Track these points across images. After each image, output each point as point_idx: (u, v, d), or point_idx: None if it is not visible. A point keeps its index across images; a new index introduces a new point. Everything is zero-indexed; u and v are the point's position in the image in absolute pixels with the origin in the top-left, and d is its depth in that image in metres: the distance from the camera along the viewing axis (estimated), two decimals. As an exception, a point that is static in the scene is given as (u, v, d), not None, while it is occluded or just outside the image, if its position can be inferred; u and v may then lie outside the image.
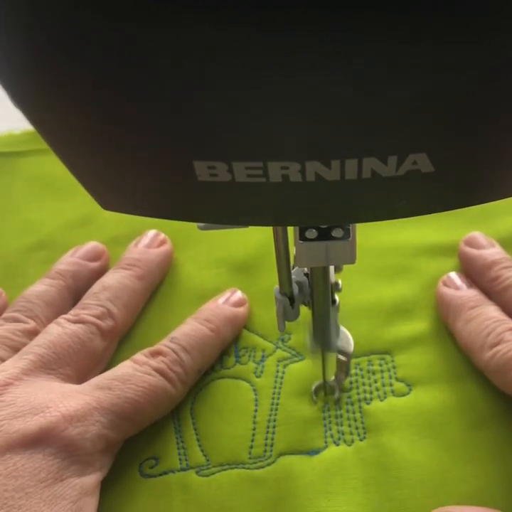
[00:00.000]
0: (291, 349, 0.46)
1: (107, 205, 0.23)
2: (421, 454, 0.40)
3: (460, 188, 0.21)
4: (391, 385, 0.44)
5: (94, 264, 0.49)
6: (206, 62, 0.15)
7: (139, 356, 0.41)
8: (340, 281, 0.36)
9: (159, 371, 0.40)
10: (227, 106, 0.17)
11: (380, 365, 0.45)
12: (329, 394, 0.43)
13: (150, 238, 0.51)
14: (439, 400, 0.43)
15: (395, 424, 0.42)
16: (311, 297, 0.35)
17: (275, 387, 0.44)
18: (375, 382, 0.44)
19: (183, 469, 0.40)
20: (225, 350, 0.46)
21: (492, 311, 0.43)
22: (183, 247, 0.52)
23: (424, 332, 0.46)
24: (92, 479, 0.36)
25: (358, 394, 0.43)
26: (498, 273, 0.46)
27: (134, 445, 0.41)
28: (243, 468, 0.40)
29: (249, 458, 0.41)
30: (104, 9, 0.14)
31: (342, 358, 0.39)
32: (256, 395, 0.44)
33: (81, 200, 0.55)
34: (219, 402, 0.43)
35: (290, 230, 0.29)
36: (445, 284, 0.47)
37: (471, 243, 0.48)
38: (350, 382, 0.44)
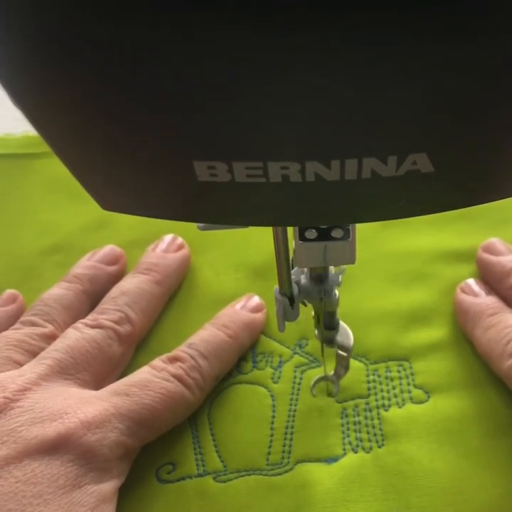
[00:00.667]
0: (308, 355, 0.46)
1: (107, 205, 0.23)
2: (440, 462, 0.40)
3: (460, 188, 0.21)
4: (409, 391, 0.43)
5: (112, 268, 0.49)
6: (206, 62, 0.15)
7: (156, 362, 0.41)
8: (340, 275, 0.35)
9: (177, 377, 0.40)
10: (227, 106, 0.17)
11: (398, 371, 0.45)
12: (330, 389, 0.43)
13: (167, 242, 0.50)
14: (458, 407, 0.42)
15: (414, 431, 0.41)
16: (310, 297, 0.35)
17: (293, 393, 0.44)
18: (394, 388, 0.44)
19: (200, 475, 0.40)
20: (242, 355, 0.46)
21: (511, 319, 0.43)
22: (201, 252, 0.52)
23: (442, 338, 0.46)
24: (109, 486, 0.36)
25: (377, 400, 0.43)
26: None
27: (151, 451, 0.41)
28: (260, 474, 0.40)
29: (267, 464, 0.41)
30: (104, 9, 0.14)
31: (342, 353, 0.39)
32: (273, 400, 0.44)
33: (96, 205, 0.55)
34: (236, 407, 0.43)
35: (290, 230, 0.30)
36: (463, 291, 0.47)
37: (490, 249, 0.48)
38: (368, 389, 0.44)
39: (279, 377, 0.45)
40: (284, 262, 0.32)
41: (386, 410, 0.43)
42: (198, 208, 0.22)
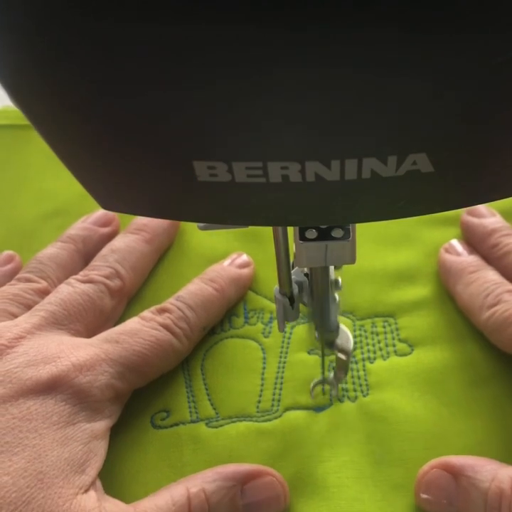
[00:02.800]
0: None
1: (107, 205, 0.23)
2: (422, 409, 0.42)
3: (460, 188, 0.21)
4: (394, 345, 0.45)
5: (105, 230, 0.51)
6: (206, 62, 0.15)
7: (146, 313, 0.43)
8: (340, 279, 0.37)
9: (165, 326, 0.42)
10: (227, 106, 0.16)
11: (384, 327, 0.46)
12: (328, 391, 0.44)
13: None
14: (440, 359, 0.44)
15: (397, 381, 0.43)
16: (311, 297, 0.35)
17: (282, 347, 0.46)
18: (379, 342, 0.46)
19: (193, 421, 0.42)
20: (234, 311, 0.48)
21: (491, 275, 0.45)
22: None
23: (426, 296, 0.48)
24: (101, 425, 0.38)
25: (362, 354, 0.45)
26: (497, 240, 0.47)
27: (146, 399, 0.43)
28: (251, 420, 0.42)
29: (257, 411, 0.42)
30: (98, 8, 0.14)
31: (341, 356, 0.40)
32: (264, 353, 0.45)
33: None
34: (228, 359, 0.45)
35: (290, 230, 0.30)
36: (447, 251, 0.49)
37: (473, 212, 0.50)
38: (355, 343, 0.45)
39: (269, 332, 0.46)
40: (284, 262, 0.32)
41: (371, 362, 0.44)
42: (198, 207, 0.22)
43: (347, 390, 0.43)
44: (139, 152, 0.19)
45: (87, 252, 0.49)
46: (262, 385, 0.44)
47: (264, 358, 0.45)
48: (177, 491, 0.35)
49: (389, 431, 0.41)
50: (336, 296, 0.36)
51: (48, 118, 0.19)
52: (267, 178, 0.19)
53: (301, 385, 0.44)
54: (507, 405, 0.42)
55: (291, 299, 0.35)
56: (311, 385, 0.43)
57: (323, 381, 0.43)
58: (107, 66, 0.16)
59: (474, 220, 0.49)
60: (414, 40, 0.15)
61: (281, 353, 0.45)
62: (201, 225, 0.29)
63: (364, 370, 0.44)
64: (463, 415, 0.41)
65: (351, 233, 0.28)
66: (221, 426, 0.42)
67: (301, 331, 0.46)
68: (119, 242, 0.49)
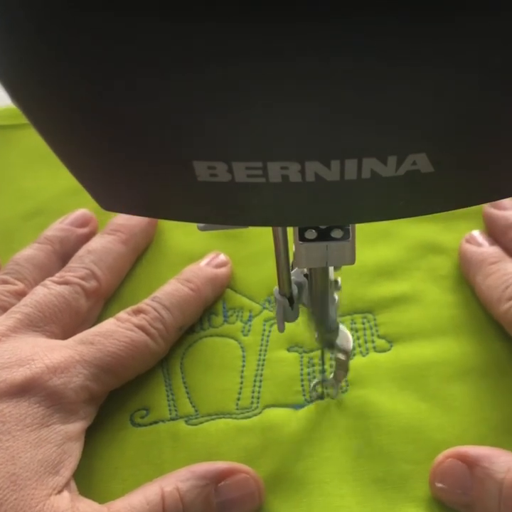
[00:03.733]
0: None
1: (107, 205, 0.23)
2: (400, 404, 0.42)
3: (459, 188, 0.21)
4: (373, 341, 0.45)
5: (82, 230, 0.51)
6: (206, 62, 0.15)
7: (121, 314, 0.44)
8: (339, 279, 0.37)
9: (140, 327, 0.42)
10: (227, 106, 0.16)
11: (363, 323, 0.47)
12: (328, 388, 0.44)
13: None
14: (419, 354, 0.44)
15: (376, 377, 0.43)
16: (310, 297, 0.35)
17: (262, 345, 0.46)
18: (358, 339, 0.46)
19: (172, 419, 0.42)
20: (213, 310, 0.48)
21: (511, 267, 0.45)
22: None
23: (405, 292, 0.48)
24: (76, 427, 0.38)
25: (342, 350, 0.45)
26: None
27: (125, 397, 0.43)
28: (230, 418, 0.42)
29: (237, 409, 0.42)
30: (101, 5, 0.14)
31: (341, 356, 0.40)
32: (243, 351, 0.45)
33: None
34: (207, 358, 0.45)
35: (290, 230, 0.29)
36: (468, 241, 0.49)
37: (496, 205, 0.50)
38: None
39: (248, 331, 0.46)
40: (284, 263, 0.32)
41: (351, 359, 0.45)
42: (197, 208, 0.22)
43: (327, 387, 0.43)
44: (139, 152, 0.19)
45: (64, 253, 0.49)
46: (242, 382, 0.44)
47: (244, 356, 0.45)
48: (151, 490, 0.35)
49: (368, 426, 0.41)
50: (336, 296, 0.36)
51: (48, 118, 0.19)
52: (267, 178, 0.19)
53: (280, 382, 0.44)
54: (485, 399, 0.42)
55: (291, 300, 0.35)
56: (311, 385, 0.44)
57: (324, 381, 0.43)
58: (106, 66, 0.16)
59: (497, 212, 0.50)
60: (414, 41, 0.15)
61: (260, 351, 0.45)
62: (201, 225, 0.29)
63: None
64: (441, 410, 0.42)
65: (351, 233, 0.28)
66: (200, 423, 0.42)
67: (280, 328, 0.46)
68: (95, 243, 0.49)
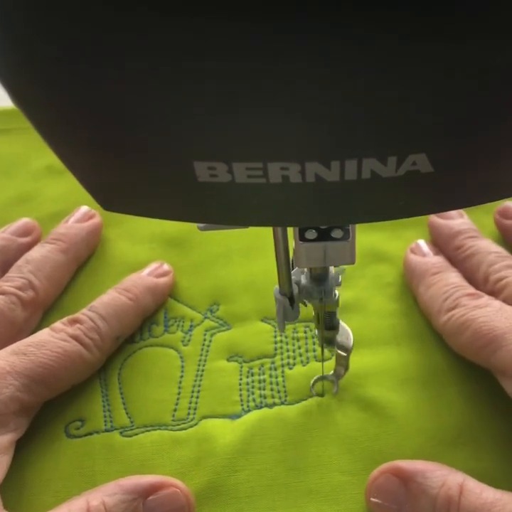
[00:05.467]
0: (218, 319, 0.47)
1: (107, 205, 0.23)
2: (338, 415, 0.42)
3: (459, 189, 0.21)
4: (314, 350, 0.45)
5: (24, 240, 0.51)
6: (206, 63, 0.15)
7: (57, 324, 0.43)
8: (340, 276, 0.36)
9: (75, 337, 0.42)
10: (227, 107, 0.16)
11: (305, 332, 0.46)
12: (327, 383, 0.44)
13: (80, 214, 0.53)
14: (360, 364, 0.44)
15: (316, 387, 0.43)
16: (310, 297, 0.35)
17: (201, 355, 0.45)
18: (299, 348, 0.45)
19: (107, 430, 0.42)
20: (154, 319, 0.47)
21: (452, 277, 0.45)
22: (119, 223, 0.54)
23: (348, 301, 0.48)
24: (5, 439, 0.37)
25: (282, 360, 0.45)
26: (462, 242, 0.48)
27: (61, 408, 0.43)
28: (166, 429, 0.42)
29: (173, 420, 0.42)
30: (107, 11, 0.14)
31: (342, 353, 0.40)
32: (182, 361, 0.45)
33: (22, 179, 0.57)
34: (146, 368, 0.45)
35: (290, 230, 0.29)
36: (412, 251, 0.49)
37: (440, 214, 0.50)
38: (275, 349, 0.45)
39: (189, 340, 0.46)
40: (284, 262, 0.32)
41: (290, 368, 0.44)
42: (198, 208, 0.22)
43: (265, 397, 0.43)
44: (139, 153, 0.19)
45: (5, 262, 0.49)
46: (179, 393, 0.43)
47: (183, 367, 0.45)
48: (77, 505, 0.35)
49: (304, 437, 0.41)
50: (336, 292, 0.36)
51: (47, 118, 0.19)
52: (267, 179, 0.19)
53: (218, 393, 0.43)
54: (423, 409, 0.42)
55: (291, 299, 0.35)
56: (312, 381, 0.43)
57: (323, 377, 0.43)
58: (107, 66, 0.15)
59: (440, 221, 0.50)
60: (414, 42, 0.15)
61: (199, 361, 0.45)
62: (201, 225, 0.28)
63: (283, 377, 0.44)
64: (379, 419, 0.41)
65: (351, 234, 0.28)
66: (135, 435, 0.41)
67: (221, 338, 0.46)
68: (35, 252, 0.48)
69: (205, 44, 0.15)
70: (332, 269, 0.35)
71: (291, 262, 0.33)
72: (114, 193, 0.22)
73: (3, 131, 0.62)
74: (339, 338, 0.39)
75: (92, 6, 0.14)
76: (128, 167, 0.20)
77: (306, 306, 0.36)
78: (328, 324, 0.38)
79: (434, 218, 0.50)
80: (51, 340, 0.41)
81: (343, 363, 0.41)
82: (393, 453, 0.40)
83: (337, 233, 0.27)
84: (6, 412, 0.38)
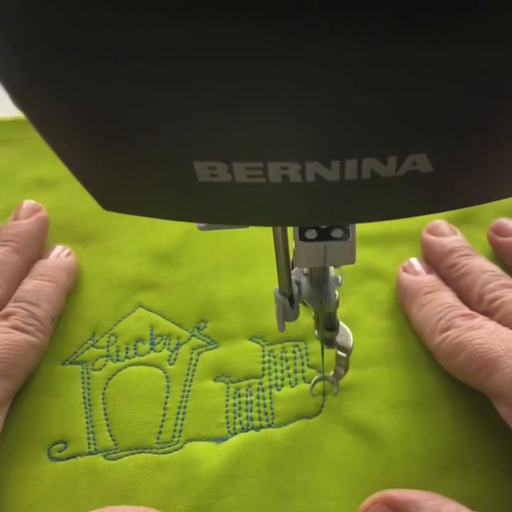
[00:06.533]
0: (206, 337, 0.46)
1: (107, 205, 0.23)
2: (326, 438, 0.41)
3: (459, 189, 0.21)
4: (303, 371, 0.44)
5: None
6: (206, 62, 0.15)
7: None
8: (340, 277, 0.36)
9: (16, 328, 0.43)
10: (227, 106, 0.16)
11: (294, 352, 0.45)
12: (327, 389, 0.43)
13: (27, 209, 0.53)
14: (349, 383, 0.43)
15: (304, 410, 0.42)
16: (310, 297, 0.35)
17: (187, 374, 0.44)
18: (288, 368, 0.45)
19: (91, 453, 0.41)
20: (140, 337, 0.46)
21: (446, 297, 0.44)
22: (107, 238, 0.53)
23: (339, 318, 0.46)
24: None
25: (270, 380, 0.44)
26: (455, 260, 0.47)
27: (43, 429, 0.42)
28: (150, 452, 0.41)
29: (157, 443, 0.41)
30: (101, 2, 0.14)
31: (341, 354, 0.39)
32: (168, 381, 0.44)
33: (11, 191, 0.57)
34: (131, 388, 0.44)
35: (290, 230, 0.29)
36: (405, 270, 0.48)
37: (433, 230, 0.50)
38: (263, 369, 0.44)
39: (175, 359, 0.45)
40: (284, 262, 0.32)
41: (279, 390, 0.43)
42: (198, 208, 0.22)
43: (252, 419, 0.42)
44: (140, 152, 0.19)
45: None
46: (164, 415, 0.43)
47: (168, 387, 0.44)
48: None
49: (291, 461, 0.40)
50: (336, 293, 0.35)
51: (47, 118, 0.18)
52: (267, 179, 0.19)
53: (204, 414, 0.43)
54: (413, 432, 0.41)
55: (291, 299, 0.34)
56: (312, 382, 0.43)
57: (323, 378, 0.42)
58: (107, 67, 0.15)
59: (433, 239, 0.49)
60: (414, 43, 0.14)
61: (185, 381, 0.44)
62: (201, 225, 0.28)
63: (270, 398, 0.43)
64: (368, 443, 0.41)
65: (351, 233, 0.28)
66: (119, 458, 0.41)
67: (208, 357, 0.45)
68: None
69: (205, 44, 0.14)
70: (332, 271, 0.35)
71: (291, 262, 0.33)
72: (114, 193, 0.22)
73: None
74: (339, 338, 0.39)
75: (92, 5, 0.14)
76: (128, 167, 0.20)
77: (306, 306, 0.36)
78: (328, 325, 0.38)
79: (426, 235, 0.49)
80: None
81: (342, 364, 0.40)
82: (382, 478, 0.39)
83: (337, 233, 0.27)
84: None
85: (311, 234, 0.27)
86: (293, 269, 0.34)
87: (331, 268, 0.35)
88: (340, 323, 0.38)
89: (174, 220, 0.23)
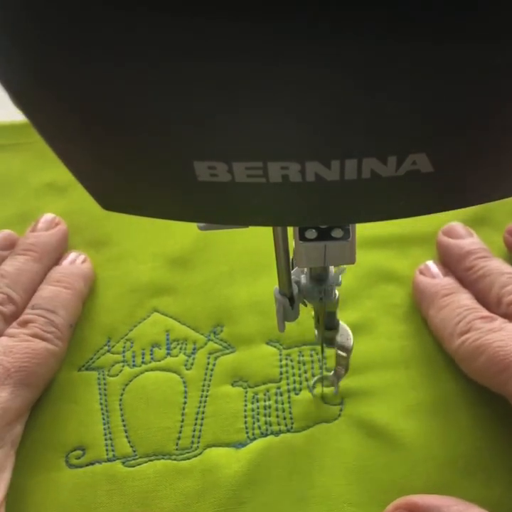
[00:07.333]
0: (222, 341, 0.46)
1: (107, 205, 0.23)
2: (346, 443, 0.41)
3: (459, 188, 0.21)
4: (321, 374, 0.44)
5: (5, 253, 0.51)
6: (206, 62, 0.15)
7: (11, 330, 0.44)
8: (340, 276, 0.36)
9: (35, 336, 0.43)
10: (227, 106, 0.16)
11: (311, 355, 0.45)
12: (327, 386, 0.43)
13: (46, 221, 0.53)
14: (367, 389, 0.43)
15: (323, 414, 0.42)
16: (310, 297, 0.35)
17: (205, 379, 0.44)
18: (305, 372, 0.44)
19: (109, 460, 0.41)
20: (156, 342, 0.46)
21: (464, 299, 0.44)
22: (120, 243, 0.53)
23: (355, 322, 0.46)
24: (2, 453, 0.37)
25: (288, 384, 0.44)
26: (472, 263, 0.46)
27: (61, 435, 0.42)
28: (169, 459, 0.41)
29: (176, 449, 0.41)
30: (110, 9, 0.14)
31: (342, 353, 0.39)
32: (185, 387, 0.44)
33: (23, 197, 0.57)
34: (148, 394, 0.44)
35: (290, 230, 0.29)
36: (421, 273, 0.48)
37: (450, 233, 0.49)
38: (281, 373, 0.44)
39: (192, 364, 0.45)
40: (284, 262, 0.32)
41: (297, 394, 0.43)
42: (198, 208, 0.22)
43: (271, 424, 0.42)
44: (139, 152, 0.19)
45: None
46: (183, 420, 0.42)
47: (186, 392, 0.44)
48: None
49: (311, 466, 0.40)
50: (336, 292, 0.35)
51: (47, 118, 0.19)
52: (267, 178, 0.19)
53: (223, 419, 0.42)
54: (433, 436, 0.41)
55: (291, 299, 0.34)
56: (312, 382, 0.43)
57: (323, 378, 0.42)
58: (107, 67, 0.15)
59: (450, 241, 0.49)
60: (414, 43, 0.14)
61: (203, 386, 0.44)
62: (201, 225, 0.28)
63: (289, 403, 0.43)
64: (389, 447, 0.40)
65: (351, 233, 0.28)
66: (138, 464, 0.40)
67: (225, 362, 0.45)
68: (8, 265, 0.48)
69: (205, 44, 0.14)
70: (332, 269, 0.34)
71: (291, 262, 0.33)
72: (114, 193, 0.22)
73: (1, 147, 0.61)
74: (339, 338, 0.38)
75: (91, 5, 0.14)
76: (128, 167, 0.20)
77: (306, 306, 0.36)
78: (327, 324, 0.38)
79: (442, 237, 0.49)
80: (16, 344, 0.42)
81: (343, 364, 0.40)
82: (403, 483, 0.39)
83: (337, 233, 0.27)
84: (1, 424, 0.38)
85: (311, 234, 0.27)
86: (293, 269, 0.34)
87: (331, 267, 0.35)
88: (341, 322, 0.38)
89: (174, 220, 0.23)
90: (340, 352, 0.39)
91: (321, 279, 0.34)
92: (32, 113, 0.18)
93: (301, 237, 0.28)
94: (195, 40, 0.14)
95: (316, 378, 0.43)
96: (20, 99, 0.18)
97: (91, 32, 0.14)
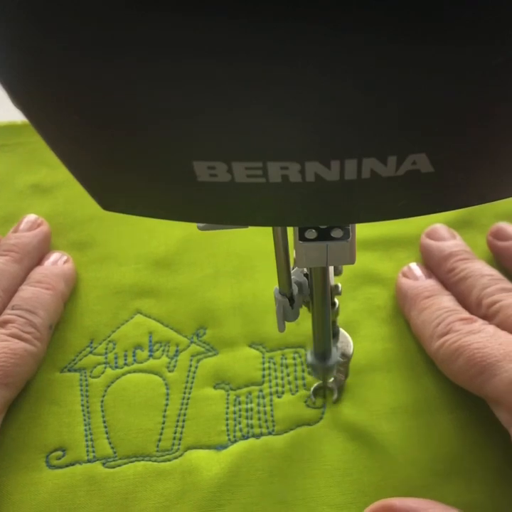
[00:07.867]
0: (205, 344, 0.46)
1: (107, 205, 0.23)
2: (327, 445, 0.41)
3: (460, 188, 0.21)
4: (303, 378, 0.44)
5: None
6: (206, 62, 0.15)
7: None
8: (340, 285, 0.36)
9: (14, 336, 0.43)
10: (226, 106, 0.16)
11: (294, 358, 0.45)
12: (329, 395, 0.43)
13: (29, 222, 0.53)
14: (349, 390, 0.43)
15: (305, 416, 0.42)
16: (310, 298, 0.35)
17: (187, 382, 0.44)
18: (288, 375, 0.44)
19: (89, 461, 0.40)
20: (138, 343, 0.46)
21: (445, 301, 0.44)
22: (105, 243, 0.53)
23: (338, 324, 0.46)
24: None
25: (270, 387, 0.44)
26: (453, 265, 0.46)
27: (41, 436, 0.42)
28: (150, 460, 0.40)
29: (157, 451, 0.41)
30: (110, 10, 0.14)
31: (341, 360, 0.39)
32: (167, 389, 0.44)
33: (7, 198, 0.56)
34: (130, 395, 0.44)
35: (290, 230, 0.29)
36: (404, 275, 0.48)
37: (432, 235, 0.50)
38: (263, 376, 0.44)
39: (174, 366, 0.45)
40: (284, 262, 0.32)
41: (279, 397, 0.43)
42: (197, 208, 0.22)
43: (252, 427, 0.42)
44: (139, 152, 0.19)
45: None
46: (164, 422, 0.42)
47: (167, 394, 0.43)
48: None
49: (292, 468, 0.40)
50: (336, 300, 0.35)
51: (47, 118, 0.18)
52: (267, 178, 0.19)
53: (204, 422, 0.42)
54: (414, 439, 0.41)
55: (291, 300, 0.34)
56: (312, 389, 0.43)
57: (324, 386, 0.42)
58: (106, 65, 0.15)
59: (432, 243, 0.49)
60: (413, 44, 0.14)
61: (185, 388, 0.44)
62: (201, 225, 0.28)
63: (271, 405, 0.43)
64: (369, 451, 0.40)
65: (351, 233, 0.28)
66: (118, 466, 0.40)
67: (207, 364, 0.45)
68: None
69: (205, 43, 0.14)
70: (332, 279, 0.35)
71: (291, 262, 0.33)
72: (114, 193, 0.22)
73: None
74: (339, 345, 0.39)
75: (91, 5, 0.14)
76: (127, 167, 0.20)
77: (305, 305, 0.36)
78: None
79: (425, 239, 0.49)
80: None
81: (343, 370, 0.40)
82: (383, 485, 0.39)
83: (337, 233, 0.27)
84: None
85: (311, 234, 0.27)
86: (293, 269, 0.34)
87: (331, 274, 0.35)
88: (341, 330, 0.38)
89: (174, 220, 0.23)
90: (340, 359, 0.39)
91: (324, 358, 0.35)
92: (31, 113, 0.18)
93: (301, 237, 0.28)
94: (195, 40, 0.14)
95: (316, 385, 0.43)
96: (19, 98, 0.18)
97: (90, 32, 0.14)
